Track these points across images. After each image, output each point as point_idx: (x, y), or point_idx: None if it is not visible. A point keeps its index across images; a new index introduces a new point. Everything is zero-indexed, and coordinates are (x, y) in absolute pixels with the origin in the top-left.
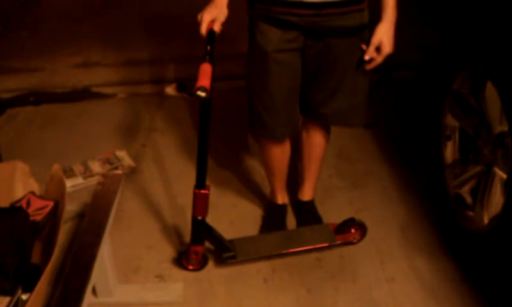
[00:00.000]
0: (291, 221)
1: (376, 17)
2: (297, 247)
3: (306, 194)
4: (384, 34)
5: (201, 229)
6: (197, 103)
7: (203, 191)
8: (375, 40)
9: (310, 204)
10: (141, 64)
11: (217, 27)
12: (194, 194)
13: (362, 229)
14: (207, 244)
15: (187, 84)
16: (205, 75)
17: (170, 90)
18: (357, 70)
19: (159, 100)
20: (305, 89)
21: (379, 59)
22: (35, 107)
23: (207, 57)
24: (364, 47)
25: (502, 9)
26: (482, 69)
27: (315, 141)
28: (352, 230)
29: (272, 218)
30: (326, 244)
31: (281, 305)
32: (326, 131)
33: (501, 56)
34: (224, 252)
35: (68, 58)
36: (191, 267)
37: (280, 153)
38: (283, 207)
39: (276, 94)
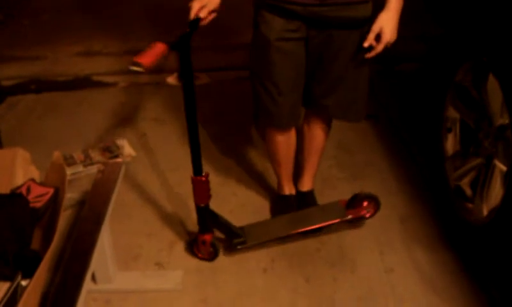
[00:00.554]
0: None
1: (379, 10)
2: (308, 226)
3: (305, 185)
4: (385, 22)
5: (206, 217)
6: (197, 93)
7: (199, 178)
8: (375, 27)
9: (310, 194)
10: None
11: (203, 14)
12: (193, 181)
13: (375, 202)
14: (218, 233)
15: None
16: (150, 52)
17: (171, 80)
18: (358, 63)
19: (160, 89)
20: (307, 80)
21: (379, 48)
22: (36, 95)
23: (175, 41)
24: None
25: (504, 3)
26: (484, 62)
27: (316, 133)
28: (365, 203)
29: (281, 209)
30: (337, 220)
31: (280, 294)
32: (327, 124)
33: (503, 49)
34: (234, 238)
35: (69, 47)
36: (200, 256)
37: (286, 142)
38: (290, 197)
39: (280, 82)
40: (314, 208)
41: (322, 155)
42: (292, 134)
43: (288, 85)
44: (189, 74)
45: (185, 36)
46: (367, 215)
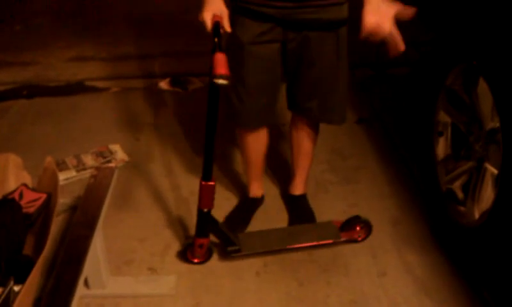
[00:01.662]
0: (279, 215)
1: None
2: (302, 243)
3: (297, 189)
4: (370, 15)
5: (207, 222)
6: (190, 98)
7: (209, 183)
8: (364, 28)
9: (302, 198)
10: (135, 59)
11: (226, 26)
12: (201, 186)
13: (367, 227)
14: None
15: (180, 79)
16: (221, 63)
17: (164, 85)
18: (337, 66)
19: (152, 94)
20: (289, 84)
21: (379, 38)
22: (28, 100)
23: (217, 48)
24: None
25: (494, 7)
26: (474, 65)
27: (303, 137)
28: (358, 228)
29: (238, 211)
30: (331, 241)
31: (272, 298)
32: (314, 127)
33: (493, 53)
34: (229, 245)
35: (61, 52)
36: (196, 260)
37: (254, 143)
38: (252, 201)
39: (249, 84)
40: (309, 226)
41: (312, 159)
42: (262, 136)
43: (259, 88)
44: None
45: (218, 44)
46: (359, 239)
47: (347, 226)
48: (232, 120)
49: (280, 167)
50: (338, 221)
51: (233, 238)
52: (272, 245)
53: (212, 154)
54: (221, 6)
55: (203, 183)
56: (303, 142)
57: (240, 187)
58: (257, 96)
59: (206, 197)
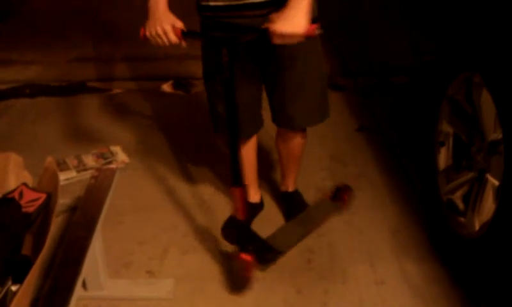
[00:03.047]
0: (273, 216)
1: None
2: (317, 226)
3: (289, 186)
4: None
5: (246, 232)
6: (192, 101)
7: (240, 187)
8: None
9: (296, 193)
10: (138, 61)
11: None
12: (233, 193)
13: (350, 191)
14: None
15: (183, 82)
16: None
17: (166, 87)
18: (311, 69)
19: (155, 96)
20: (269, 92)
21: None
22: (30, 99)
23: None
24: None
25: (498, 17)
26: (477, 76)
27: (291, 146)
28: (345, 197)
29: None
30: (335, 213)
31: (270, 305)
32: (300, 135)
33: (497, 64)
34: (267, 251)
35: (64, 52)
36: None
37: (243, 150)
38: (251, 206)
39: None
40: (310, 209)
41: (301, 160)
42: (251, 143)
43: (242, 100)
44: (232, 85)
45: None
46: (347, 202)
47: (336, 197)
48: (221, 131)
49: (272, 169)
50: (326, 195)
51: (269, 243)
52: (298, 236)
53: (238, 157)
54: (169, 16)
55: (235, 188)
56: (292, 150)
57: None
58: (244, 107)
59: (242, 203)
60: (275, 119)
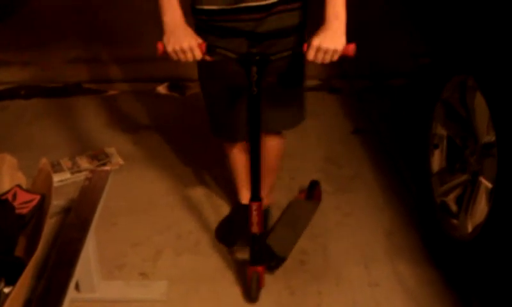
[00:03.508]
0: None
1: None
2: (305, 226)
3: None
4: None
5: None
6: (187, 103)
7: (258, 202)
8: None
9: (265, 212)
10: (133, 62)
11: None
12: (250, 207)
13: (318, 185)
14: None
15: (178, 84)
16: None
17: (162, 89)
18: (290, 75)
19: (150, 98)
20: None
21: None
22: (25, 100)
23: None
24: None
25: (491, 21)
26: (471, 79)
27: (265, 151)
28: (316, 193)
29: (234, 217)
30: (314, 212)
31: (264, 306)
32: (278, 141)
33: (490, 67)
34: (271, 259)
35: (60, 53)
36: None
37: (238, 153)
38: (245, 208)
39: (223, 104)
40: (293, 211)
41: (276, 172)
42: (241, 144)
43: (232, 105)
44: (258, 101)
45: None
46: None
47: (310, 196)
48: (218, 134)
49: None
50: (302, 195)
51: (273, 249)
52: (293, 240)
53: (259, 170)
54: (189, 31)
55: (253, 203)
56: (266, 159)
57: (234, 194)
58: (233, 112)
59: (259, 218)
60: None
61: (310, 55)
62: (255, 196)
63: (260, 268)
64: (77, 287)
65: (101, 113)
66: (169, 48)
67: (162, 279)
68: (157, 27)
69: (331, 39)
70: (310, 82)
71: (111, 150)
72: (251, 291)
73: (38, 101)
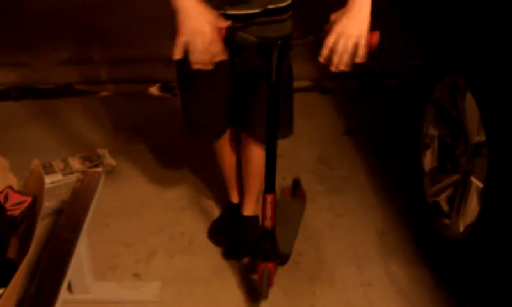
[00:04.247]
0: None
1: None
2: (299, 222)
3: (246, 209)
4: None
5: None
6: (179, 104)
7: (272, 195)
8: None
9: (252, 220)
10: (125, 63)
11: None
12: (264, 200)
13: (301, 185)
14: None
15: (171, 85)
16: None
17: (154, 90)
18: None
19: (142, 99)
20: (236, 100)
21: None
22: (16, 102)
23: None
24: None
25: (482, 23)
26: (462, 80)
27: (250, 156)
28: (300, 192)
29: (225, 217)
30: (303, 211)
31: None
32: (261, 145)
33: (480, 68)
34: (277, 257)
35: (51, 54)
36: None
37: (222, 153)
38: (237, 207)
39: (200, 105)
40: (284, 207)
41: (262, 181)
42: (227, 147)
43: (210, 106)
44: (278, 89)
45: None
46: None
47: (295, 193)
48: (191, 134)
49: None
50: (286, 194)
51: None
52: (291, 237)
53: (274, 163)
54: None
55: (267, 196)
56: (250, 162)
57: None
58: (210, 114)
59: (273, 211)
60: (235, 121)
61: (330, 41)
62: (270, 188)
63: (270, 265)
64: (69, 288)
65: (93, 114)
66: (183, 31)
67: (155, 280)
68: (149, 28)
69: (354, 23)
70: (302, 83)
71: (103, 151)
72: (262, 289)
73: (29, 102)
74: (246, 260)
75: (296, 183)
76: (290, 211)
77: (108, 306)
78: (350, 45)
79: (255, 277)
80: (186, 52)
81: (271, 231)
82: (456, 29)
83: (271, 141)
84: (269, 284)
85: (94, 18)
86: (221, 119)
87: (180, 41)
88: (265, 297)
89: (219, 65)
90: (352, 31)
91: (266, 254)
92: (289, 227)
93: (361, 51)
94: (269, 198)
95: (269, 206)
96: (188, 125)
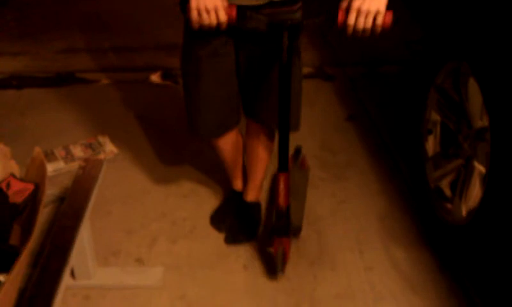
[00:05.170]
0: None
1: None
2: (305, 193)
3: (249, 195)
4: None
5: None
6: (180, 92)
7: (286, 173)
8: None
9: (254, 207)
10: (126, 51)
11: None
12: (278, 178)
13: (303, 154)
14: None
15: (172, 72)
16: None
17: (155, 78)
18: (298, 77)
19: (143, 87)
20: (244, 90)
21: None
22: (18, 91)
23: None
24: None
25: (484, 8)
26: (465, 65)
27: (256, 143)
28: (302, 161)
29: (226, 205)
30: (308, 175)
31: (260, 291)
32: (268, 135)
33: (484, 52)
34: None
35: (52, 43)
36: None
37: (224, 146)
38: (239, 194)
39: (207, 99)
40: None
41: (267, 165)
42: (231, 138)
43: (217, 100)
44: (289, 69)
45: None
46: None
47: (297, 162)
48: (193, 132)
49: None
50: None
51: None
52: (299, 209)
53: (287, 142)
54: None
55: (281, 174)
56: (256, 149)
57: (227, 181)
58: (216, 108)
59: (286, 190)
60: (245, 111)
61: (351, 19)
62: (283, 166)
63: (286, 240)
64: (72, 274)
65: (94, 102)
66: (193, 5)
67: (157, 265)
68: (149, 16)
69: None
70: (304, 70)
71: (105, 139)
72: (278, 263)
73: (30, 91)
74: (247, 245)
75: (298, 152)
76: (296, 182)
77: (111, 292)
78: (369, 22)
79: (272, 249)
80: (189, 61)
81: (286, 208)
82: (458, 14)
83: (284, 120)
84: (285, 258)
85: (94, 7)
86: (234, 111)
87: (191, 7)
88: (282, 271)
89: (224, 59)
90: (369, 8)
91: (281, 230)
92: (297, 198)
93: (377, 29)
94: (283, 176)
95: (282, 185)
96: (194, 124)
